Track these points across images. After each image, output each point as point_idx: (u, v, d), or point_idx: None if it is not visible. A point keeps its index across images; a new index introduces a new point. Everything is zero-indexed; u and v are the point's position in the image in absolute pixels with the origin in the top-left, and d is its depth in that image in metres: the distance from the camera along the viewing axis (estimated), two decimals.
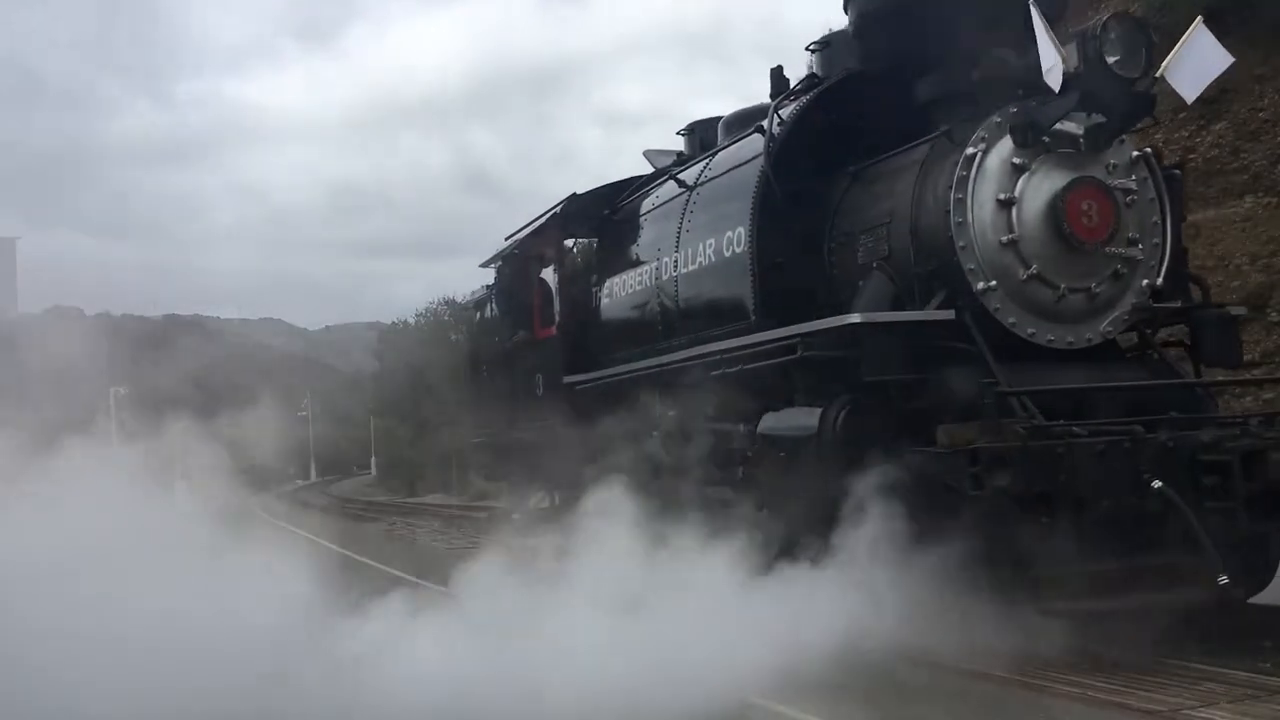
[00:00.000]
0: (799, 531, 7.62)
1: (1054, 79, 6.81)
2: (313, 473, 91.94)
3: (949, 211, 7.29)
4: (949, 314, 7.25)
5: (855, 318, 7.26)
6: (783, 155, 8.53)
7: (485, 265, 13.57)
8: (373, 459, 79.77)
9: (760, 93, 11.08)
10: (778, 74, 10.32)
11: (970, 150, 7.32)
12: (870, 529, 6.72)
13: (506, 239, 13.22)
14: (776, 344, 7.95)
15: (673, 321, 9.71)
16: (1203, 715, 5.42)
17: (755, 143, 8.88)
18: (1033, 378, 7.09)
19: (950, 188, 7.31)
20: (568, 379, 11.37)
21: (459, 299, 56.87)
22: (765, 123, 8.70)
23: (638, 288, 10.37)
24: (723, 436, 9.07)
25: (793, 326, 7.77)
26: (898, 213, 7.79)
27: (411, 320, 63.05)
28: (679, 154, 11.20)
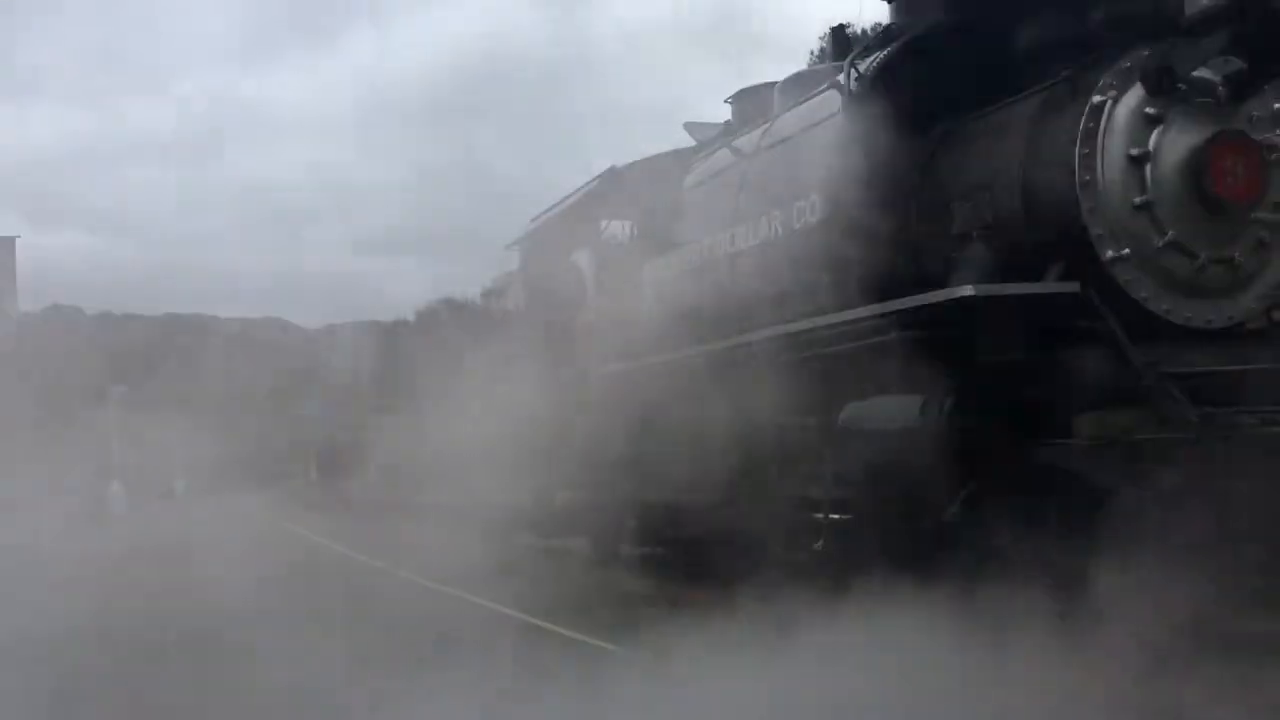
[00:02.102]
0: (892, 541, 6.58)
1: None
2: (313, 471, 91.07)
3: (1073, 169, 6.20)
4: (1074, 286, 6.16)
5: (967, 290, 6.16)
6: (862, 114, 7.43)
7: (511, 247, 12.47)
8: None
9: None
10: (839, 32, 9.27)
11: (1098, 98, 6.22)
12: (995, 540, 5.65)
13: (533, 220, 12.14)
14: (864, 324, 6.85)
15: (728, 304, 8.59)
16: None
17: (828, 102, 7.78)
18: (1166, 360, 6.02)
19: (1074, 142, 6.22)
20: (604, 369, 10.27)
21: (457, 296, 56.09)
22: (841, 79, 7.59)
23: (685, 268, 9.26)
24: (789, 431, 8.00)
25: (886, 303, 6.67)
26: (1004, 174, 6.69)
27: (411, 319, 62.19)
28: (726, 123, 10.08)
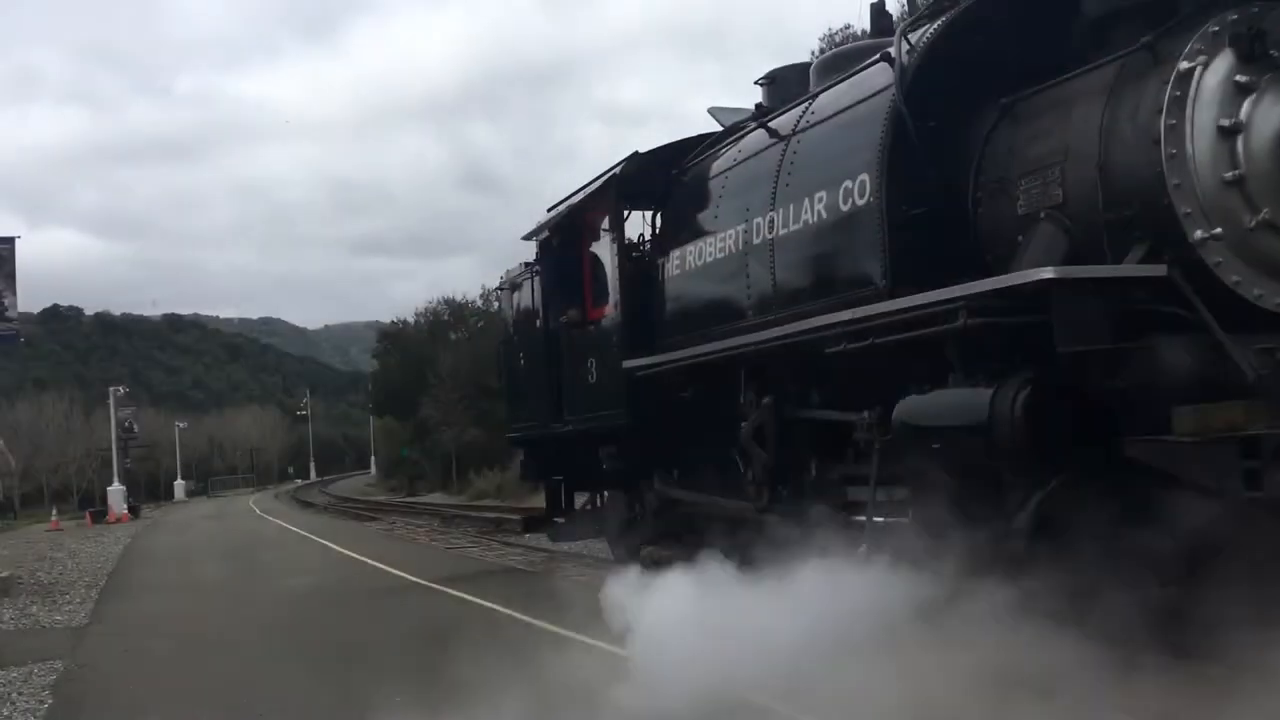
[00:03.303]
0: (953, 548, 6.01)
1: None
2: (312, 472, 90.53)
3: (1158, 142, 5.64)
4: (1160, 269, 5.61)
5: (1046, 272, 5.60)
6: (916, 87, 6.89)
7: (528, 238, 11.87)
8: (372, 458, 78.09)
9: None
10: (878, 9, 8.74)
11: (1184, 65, 5.66)
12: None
13: (549, 210, 11.56)
14: (924, 311, 6.29)
15: (767, 292, 8.03)
16: None
17: (878, 76, 7.23)
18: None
19: (1159, 112, 5.65)
20: (628, 364, 9.70)
21: (458, 297, 55.41)
22: (892, 50, 7.04)
23: (718, 256, 8.69)
24: (837, 427, 7.46)
25: (950, 288, 6.10)
26: (1077, 149, 6.13)
27: (411, 319, 61.53)
28: (757, 105, 9.52)
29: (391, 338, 63.58)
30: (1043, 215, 6.26)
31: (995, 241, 6.61)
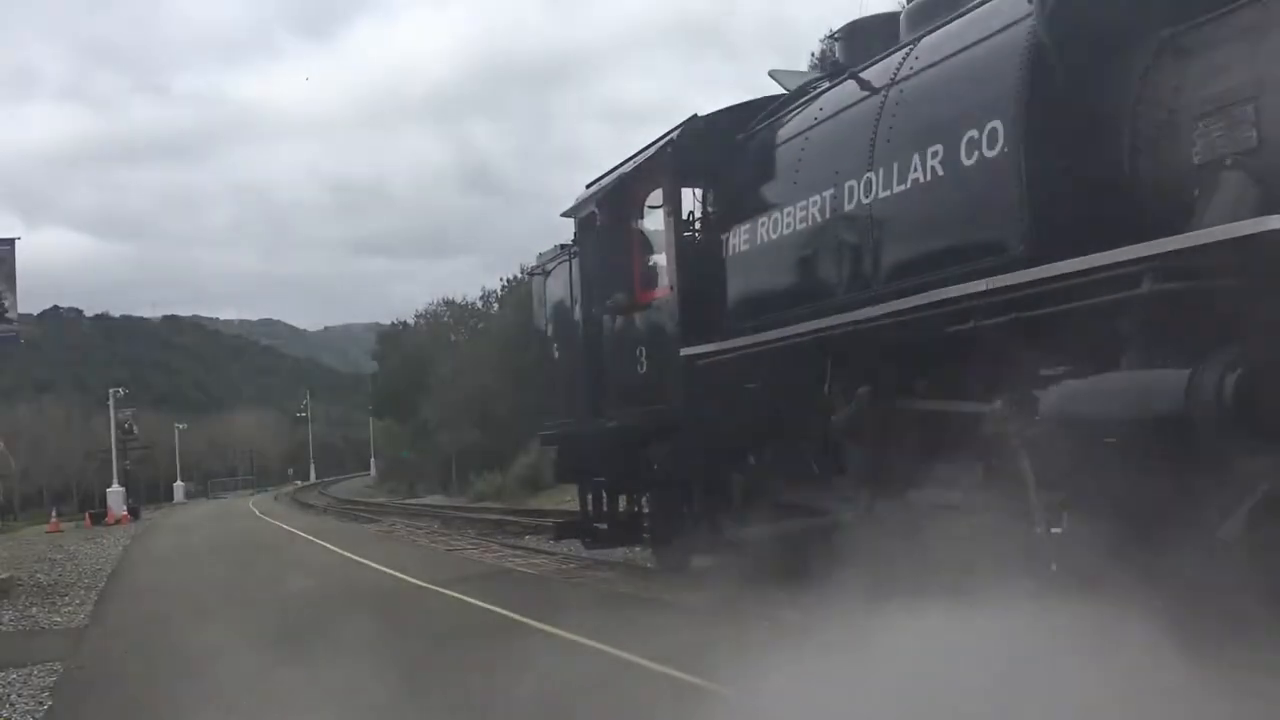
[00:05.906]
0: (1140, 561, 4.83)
1: None
2: (312, 473, 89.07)
3: None
4: None
5: (1274, 221, 4.44)
6: (1058, 18, 5.73)
7: (568, 215, 10.63)
8: (372, 460, 76.76)
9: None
10: None
11: None
12: None
13: (589, 186, 10.35)
14: (1095, 277, 5.12)
15: (865, 264, 6.85)
16: None
17: (1006, 8, 6.06)
18: None
19: None
20: (687, 351, 8.50)
21: (459, 299, 54.17)
22: None
23: (799, 227, 7.50)
24: (956, 420, 6.27)
25: (1135, 246, 4.94)
26: (1276, 83, 4.97)
27: (411, 321, 60.33)
28: (834, 64, 8.34)
29: (392, 339, 62.33)
30: (1229, 162, 5.10)
31: (1162, 195, 5.44)
